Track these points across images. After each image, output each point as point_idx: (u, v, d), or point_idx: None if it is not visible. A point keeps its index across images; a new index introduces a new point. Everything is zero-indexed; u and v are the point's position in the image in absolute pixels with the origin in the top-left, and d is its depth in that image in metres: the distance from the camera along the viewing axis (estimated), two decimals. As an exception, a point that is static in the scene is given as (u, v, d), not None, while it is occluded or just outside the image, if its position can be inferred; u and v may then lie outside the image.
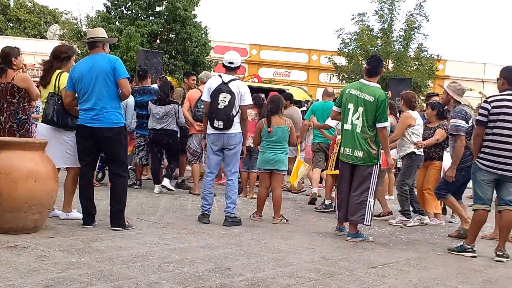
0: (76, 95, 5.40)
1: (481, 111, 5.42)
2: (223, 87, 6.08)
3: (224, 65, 6.33)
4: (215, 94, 6.07)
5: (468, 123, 6.26)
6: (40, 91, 5.91)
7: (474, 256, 5.42)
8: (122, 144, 5.43)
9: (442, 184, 6.59)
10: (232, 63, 6.27)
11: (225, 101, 6.01)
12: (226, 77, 6.19)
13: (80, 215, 5.59)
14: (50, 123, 5.52)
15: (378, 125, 5.75)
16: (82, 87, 5.28)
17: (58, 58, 5.74)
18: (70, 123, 5.53)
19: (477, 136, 5.48)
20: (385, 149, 5.94)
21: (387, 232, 6.57)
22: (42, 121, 5.57)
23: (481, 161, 5.40)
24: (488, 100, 5.46)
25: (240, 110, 6.15)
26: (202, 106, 8.08)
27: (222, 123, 6.02)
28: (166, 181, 8.41)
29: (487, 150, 5.37)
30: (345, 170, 5.95)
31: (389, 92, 11.80)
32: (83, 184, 5.43)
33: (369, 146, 5.74)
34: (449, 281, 4.40)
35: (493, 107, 5.32)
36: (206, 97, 6.22)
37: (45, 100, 5.59)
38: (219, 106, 6.02)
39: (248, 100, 6.23)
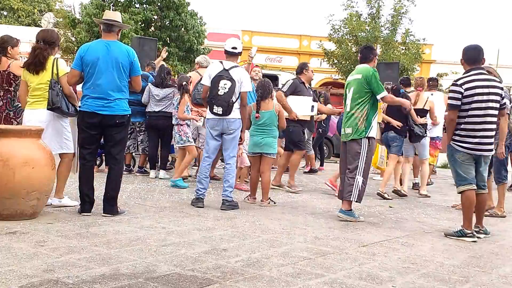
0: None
1: (454, 95, 5.29)
2: (224, 74, 6.10)
3: (226, 51, 6.31)
4: (215, 80, 6.09)
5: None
6: (26, 76, 5.54)
7: (475, 241, 5.26)
8: (127, 130, 5.64)
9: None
10: (235, 48, 6.29)
11: (225, 88, 6.04)
12: (227, 64, 6.21)
13: (72, 202, 5.63)
14: (57, 111, 5.43)
15: (379, 97, 5.99)
16: (94, 72, 5.19)
17: (52, 44, 5.55)
18: (72, 110, 5.50)
19: (452, 121, 5.37)
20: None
21: (377, 212, 6.72)
22: (48, 108, 5.40)
23: (458, 143, 5.35)
24: (458, 83, 5.31)
25: (240, 97, 6.20)
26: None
27: (221, 109, 6.06)
28: (162, 173, 8.61)
29: (463, 133, 5.31)
30: (343, 150, 6.21)
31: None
32: (86, 172, 5.38)
33: (357, 121, 5.95)
34: (435, 257, 4.53)
35: (466, 89, 5.24)
36: (206, 82, 6.22)
37: (40, 87, 5.42)
38: (219, 92, 6.05)
39: (247, 86, 6.25)
